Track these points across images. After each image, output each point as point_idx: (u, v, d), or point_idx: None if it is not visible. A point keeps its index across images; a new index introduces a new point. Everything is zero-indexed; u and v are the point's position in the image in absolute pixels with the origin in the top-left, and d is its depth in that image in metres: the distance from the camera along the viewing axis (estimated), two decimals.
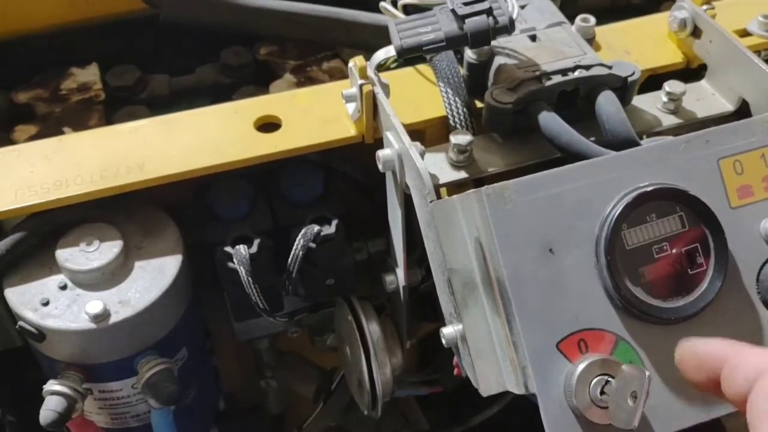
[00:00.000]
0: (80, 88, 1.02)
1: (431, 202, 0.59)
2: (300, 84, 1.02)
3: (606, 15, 1.15)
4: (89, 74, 1.04)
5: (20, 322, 0.69)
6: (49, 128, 0.97)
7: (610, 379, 0.54)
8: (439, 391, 0.95)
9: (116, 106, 1.02)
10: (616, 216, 0.57)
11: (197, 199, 0.80)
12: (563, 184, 0.58)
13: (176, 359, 0.76)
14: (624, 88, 0.70)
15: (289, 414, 1.09)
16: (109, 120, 1.00)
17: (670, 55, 0.81)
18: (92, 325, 0.67)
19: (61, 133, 0.95)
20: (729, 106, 0.74)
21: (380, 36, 0.69)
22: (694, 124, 0.73)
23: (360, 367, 0.80)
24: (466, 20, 0.66)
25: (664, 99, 0.73)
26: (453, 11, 0.67)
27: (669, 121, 0.73)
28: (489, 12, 0.67)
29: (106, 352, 0.71)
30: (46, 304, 0.69)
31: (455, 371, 0.65)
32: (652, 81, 0.78)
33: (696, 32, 0.78)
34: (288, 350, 1.02)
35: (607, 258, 0.56)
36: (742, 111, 0.73)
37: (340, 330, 0.86)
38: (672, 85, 0.72)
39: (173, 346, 0.75)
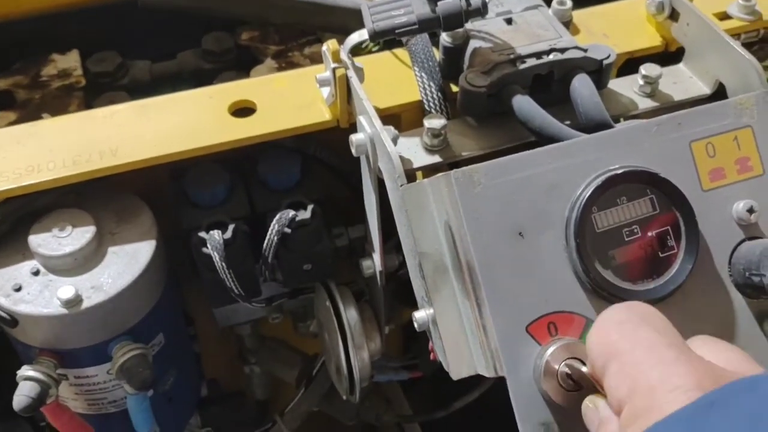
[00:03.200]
0: (60, 75, 1.01)
1: (401, 186, 0.59)
2: (281, 69, 1.01)
3: None
4: (70, 60, 1.03)
5: None
6: (29, 115, 0.96)
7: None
8: (419, 376, 0.95)
9: (97, 92, 1.02)
10: (585, 199, 0.57)
11: (175, 186, 0.79)
12: (533, 167, 0.57)
13: (152, 345, 0.75)
14: (599, 72, 0.69)
15: (273, 400, 1.09)
16: (89, 106, 1.00)
17: (649, 39, 0.81)
18: (64, 311, 0.67)
19: (41, 119, 0.95)
20: (706, 90, 0.73)
21: (359, 20, 0.68)
22: (671, 107, 0.73)
23: (338, 352, 0.80)
24: (439, 3, 0.66)
25: (641, 82, 0.72)
26: None
27: (645, 104, 0.72)
28: None
29: (80, 337, 0.70)
30: (18, 289, 0.69)
31: (431, 356, 0.65)
32: (631, 64, 0.78)
33: (674, 15, 0.77)
34: (271, 336, 1.02)
35: (577, 241, 0.56)
36: (719, 94, 0.72)
37: (319, 315, 0.86)
38: (648, 69, 0.72)
39: (149, 332, 0.75)
